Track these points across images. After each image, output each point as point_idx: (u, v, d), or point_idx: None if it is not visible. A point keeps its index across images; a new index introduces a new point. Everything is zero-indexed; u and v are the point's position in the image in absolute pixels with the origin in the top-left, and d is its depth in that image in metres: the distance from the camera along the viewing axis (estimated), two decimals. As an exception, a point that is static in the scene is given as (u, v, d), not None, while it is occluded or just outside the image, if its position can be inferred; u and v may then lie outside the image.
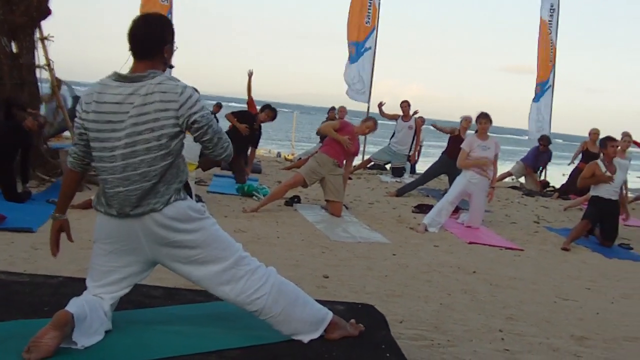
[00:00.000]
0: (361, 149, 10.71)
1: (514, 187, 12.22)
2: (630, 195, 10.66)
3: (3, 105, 6.94)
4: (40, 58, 8.08)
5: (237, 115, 9.25)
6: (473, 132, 8.21)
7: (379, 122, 8.28)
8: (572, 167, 12.05)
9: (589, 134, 11.44)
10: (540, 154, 12.31)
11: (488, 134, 7.73)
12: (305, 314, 2.78)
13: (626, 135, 10.06)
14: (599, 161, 7.45)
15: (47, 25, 8.09)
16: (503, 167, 12.32)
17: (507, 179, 12.88)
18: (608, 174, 7.25)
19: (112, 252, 2.67)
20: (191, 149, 4.19)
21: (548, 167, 13.52)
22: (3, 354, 2.40)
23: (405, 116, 11.80)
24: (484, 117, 7.74)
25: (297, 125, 23.91)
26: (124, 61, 2.71)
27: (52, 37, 8.13)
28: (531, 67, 15.42)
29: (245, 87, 9.48)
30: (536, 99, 14.41)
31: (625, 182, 7.95)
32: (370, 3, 13.36)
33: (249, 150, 9.43)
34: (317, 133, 13.02)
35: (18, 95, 7.47)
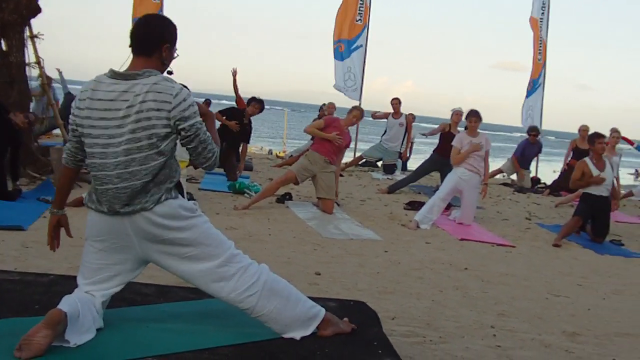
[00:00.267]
0: (352, 146, 10.71)
1: (505, 184, 12.25)
2: (622, 191, 10.69)
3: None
4: (30, 56, 8.05)
5: (225, 113, 9.35)
6: (463, 128, 8.23)
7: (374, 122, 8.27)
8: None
9: (579, 130, 11.48)
10: (529, 146, 12.01)
11: (478, 130, 7.75)
12: (297, 311, 2.78)
13: (615, 131, 10.11)
14: (587, 159, 7.48)
15: (36, 23, 8.09)
16: (494, 164, 12.31)
17: (498, 176, 12.90)
18: (599, 173, 7.28)
19: (102, 249, 2.66)
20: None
21: (539, 164, 13.49)
22: (-6, 352, 2.39)
23: (396, 113, 11.79)
24: (474, 115, 7.77)
25: (288, 123, 23.88)
26: (117, 60, 2.72)
27: (42, 35, 8.12)
28: (523, 64, 15.52)
29: (232, 86, 9.50)
30: (528, 95, 14.51)
31: (617, 178, 7.97)
32: (362, 1, 13.34)
33: (241, 147, 9.48)
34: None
35: (3, 96, 7.40)
